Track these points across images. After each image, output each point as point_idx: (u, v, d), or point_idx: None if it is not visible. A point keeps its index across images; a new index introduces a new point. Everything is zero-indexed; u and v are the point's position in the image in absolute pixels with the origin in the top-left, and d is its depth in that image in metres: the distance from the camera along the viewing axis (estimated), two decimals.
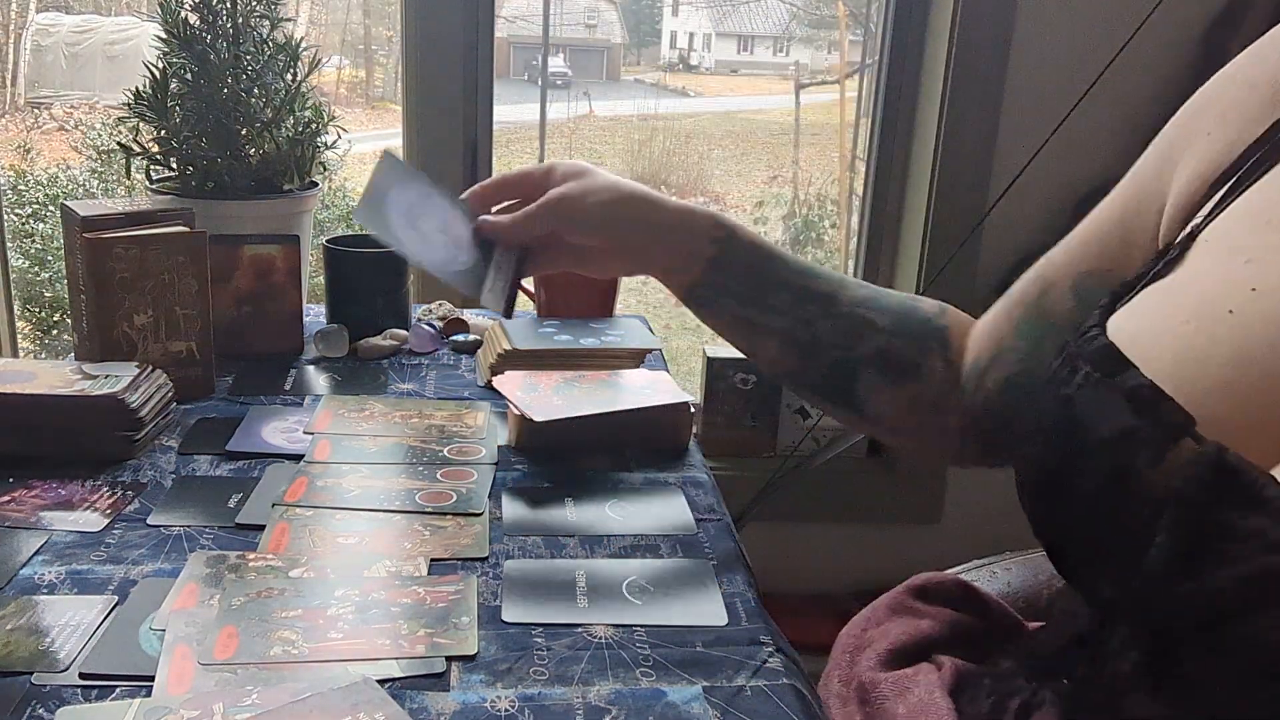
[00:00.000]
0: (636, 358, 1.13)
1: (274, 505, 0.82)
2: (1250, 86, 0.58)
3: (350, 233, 1.25)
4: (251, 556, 0.74)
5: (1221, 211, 0.53)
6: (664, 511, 0.85)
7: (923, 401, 0.75)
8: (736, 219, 0.77)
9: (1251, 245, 0.49)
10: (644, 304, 3.67)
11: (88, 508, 0.81)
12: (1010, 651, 0.68)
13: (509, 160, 3.45)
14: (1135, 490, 0.45)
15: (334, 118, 1.26)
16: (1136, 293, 0.55)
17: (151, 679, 0.60)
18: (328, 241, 1.19)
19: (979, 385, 0.73)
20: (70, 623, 0.65)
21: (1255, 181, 0.53)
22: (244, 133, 1.18)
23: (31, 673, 0.60)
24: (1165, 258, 0.56)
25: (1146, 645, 0.46)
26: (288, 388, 1.08)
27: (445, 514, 0.82)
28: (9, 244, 1.71)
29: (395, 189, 0.80)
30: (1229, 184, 0.55)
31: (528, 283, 1.25)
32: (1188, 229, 0.56)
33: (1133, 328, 0.52)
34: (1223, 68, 0.61)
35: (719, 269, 0.76)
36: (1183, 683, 0.45)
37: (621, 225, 0.76)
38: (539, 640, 0.66)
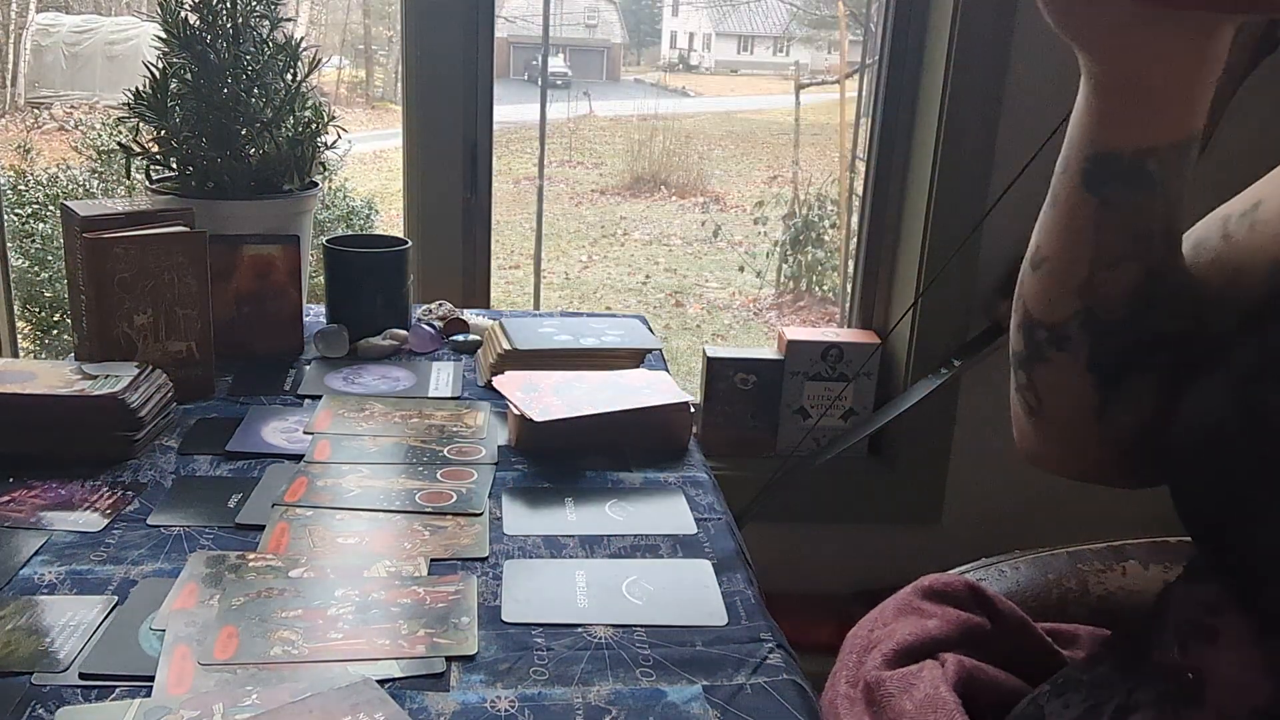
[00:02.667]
0: (636, 358, 1.13)
1: (274, 505, 0.82)
2: None
3: (350, 233, 1.25)
4: (251, 556, 0.74)
5: None
6: (664, 511, 0.85)
7: None
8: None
9: None
10: (644, 304, 3.67)
11: (88, 508, 0.81)
12: (1102, 655, 0.67)
13: (509, 160, 3.45)
14: None
15: (334, 118, 1.26)
16: None
17: (151, 679, 0.60)
18: (328, 241, 1.19)
19: None
20: (70, 623, 0.65)
21: None
22: (244, 133, 1.18)
23: (31, 673, 0.60)
24: None
25: None
26: (287, 388, 1.08)
27: (445, 514, 0.82)
28: (9, 244, 1.71)
29: None
30: None
31: None
32: None
33: None
34: None
35: None
36: None
37: None
38: (539, 640, 0.66)
